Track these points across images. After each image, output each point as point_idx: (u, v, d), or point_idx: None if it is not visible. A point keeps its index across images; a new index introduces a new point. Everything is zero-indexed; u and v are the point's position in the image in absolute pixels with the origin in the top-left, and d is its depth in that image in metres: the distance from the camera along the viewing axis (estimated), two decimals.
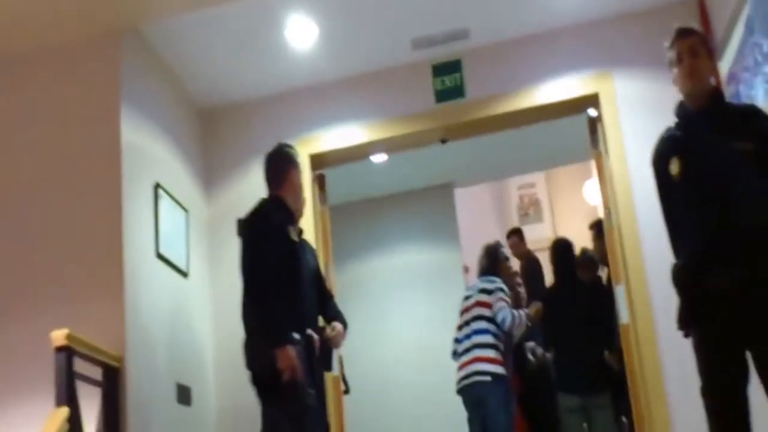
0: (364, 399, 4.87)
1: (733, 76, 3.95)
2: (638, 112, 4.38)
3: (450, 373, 4.70)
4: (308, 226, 4.33)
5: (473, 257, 6.21)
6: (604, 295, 4.52)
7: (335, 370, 3.94)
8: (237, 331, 4.33)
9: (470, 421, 4.59)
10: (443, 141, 4.89)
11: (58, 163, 3.93)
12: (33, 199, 3.88)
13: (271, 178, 3.73)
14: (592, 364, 4.55)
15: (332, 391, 4.30)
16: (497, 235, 6.46)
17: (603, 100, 4.46)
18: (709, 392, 2.72)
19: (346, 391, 4.09)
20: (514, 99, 4.64)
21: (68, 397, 3.10)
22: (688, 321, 2.80)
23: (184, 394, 4.11)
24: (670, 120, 4.38)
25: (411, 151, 5.08)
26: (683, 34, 2.97)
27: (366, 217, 6.17)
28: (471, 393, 4.52)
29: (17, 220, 3.86)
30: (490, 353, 4.52)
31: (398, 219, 6.08)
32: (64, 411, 3.04)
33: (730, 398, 2.68)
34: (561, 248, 4.98)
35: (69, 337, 3.16)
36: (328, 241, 4.79)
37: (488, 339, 4.56)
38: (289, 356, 3.26)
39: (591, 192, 7.37)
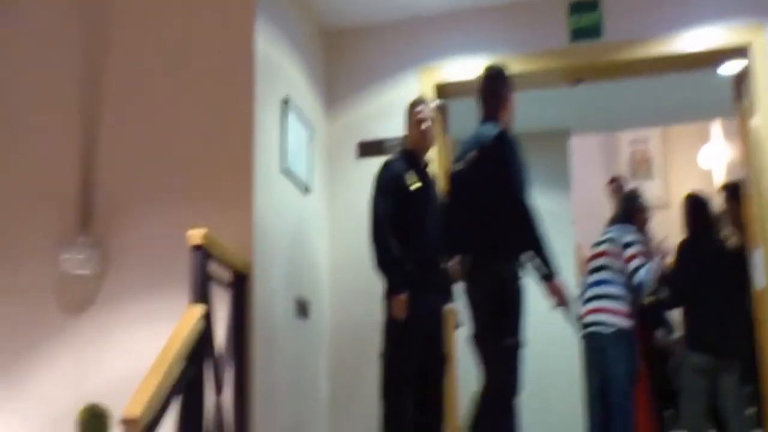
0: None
1: None
2: None
3: (551, 319, 4.60)
4: (432, 155, 4.23)
5: (578, 208, 6.07)
6: (738, 258, 4.33)
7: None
8: (353, 250, 4.38)
9: (589, 368, 4.51)
10: (578, 82, 4.70)
11: (192, 67, 3.87)
12: (168, 102, 3.83)
13: (491, 96, 3.69)
14: (728, 325, 4.37)
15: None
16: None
17: (754, 54, 4.22)
18: None
19: (458, 326, 4.05)
20: (654, 44, 4.42)
21: (203, 296, 3.10)
22: None
23: (302, 307, 4.11)
24: None
25: (536, 90, 4.90)
26: None
27: None
28: (592, 341, 4.44)
29: (154, 122, 3.83)
30: (615, 305, 4.40)
31: None
32: (200, 308, 3.03)
33: None
34: (700, 202, 4.79)
35: (206, 237, 3.13)
36: (448, 170, 4.68)
37: (614, 290, 4.44)
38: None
39: (707, 156, 7.09)
